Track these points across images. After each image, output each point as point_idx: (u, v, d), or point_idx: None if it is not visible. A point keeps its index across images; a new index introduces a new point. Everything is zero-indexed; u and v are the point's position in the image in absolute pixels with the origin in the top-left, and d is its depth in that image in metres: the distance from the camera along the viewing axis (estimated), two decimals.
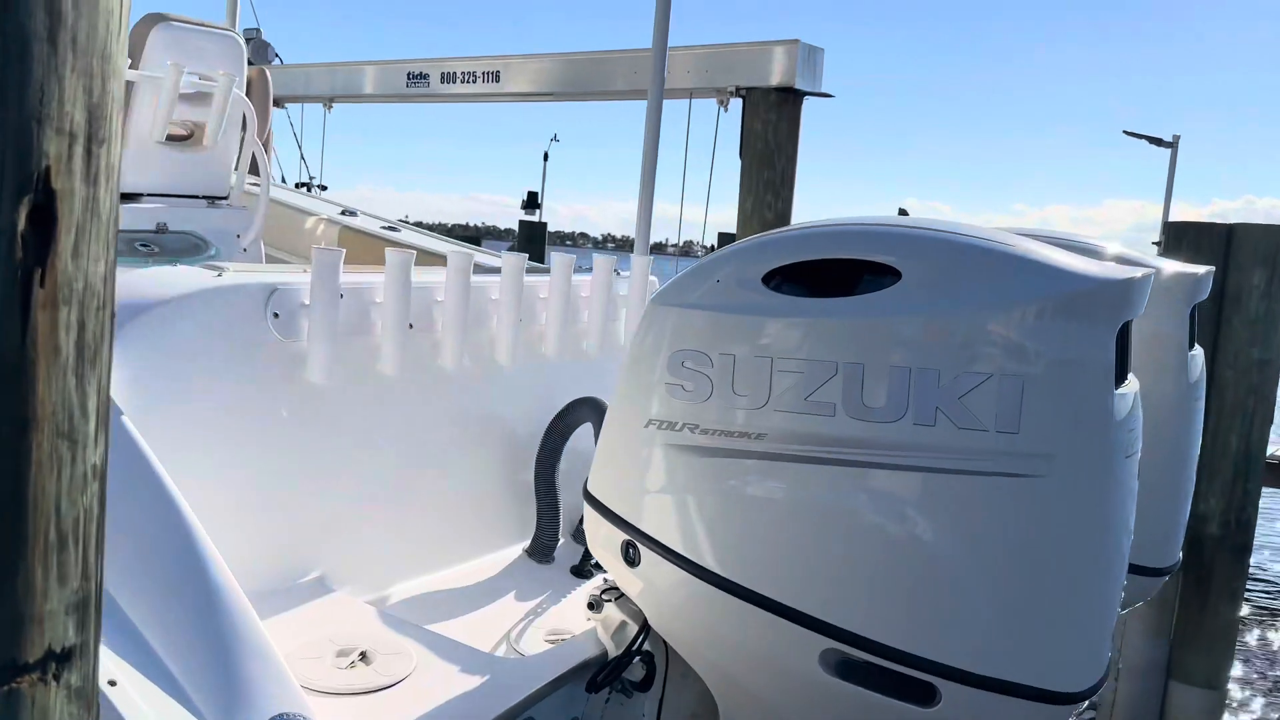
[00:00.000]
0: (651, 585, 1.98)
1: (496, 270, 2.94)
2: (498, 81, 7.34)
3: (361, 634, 2.18)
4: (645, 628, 2.10)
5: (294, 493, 2.43)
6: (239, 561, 2.27)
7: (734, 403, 1.81)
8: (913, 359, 1.67)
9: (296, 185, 9.92)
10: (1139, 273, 1.70)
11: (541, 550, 2.90)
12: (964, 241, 1.73)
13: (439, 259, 4.33)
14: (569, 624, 2.49)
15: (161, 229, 4.48)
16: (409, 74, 7.96)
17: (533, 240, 17.57)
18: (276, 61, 9.00)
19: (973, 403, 1.64)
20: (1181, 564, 5.55)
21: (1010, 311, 1.64)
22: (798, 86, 5.77)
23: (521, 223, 18.56)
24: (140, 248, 4.23)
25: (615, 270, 3.37)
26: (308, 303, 2.42)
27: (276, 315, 2.40)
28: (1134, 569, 2.40)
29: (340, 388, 2.52)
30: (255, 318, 2.37)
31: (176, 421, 2.20)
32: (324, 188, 10.79)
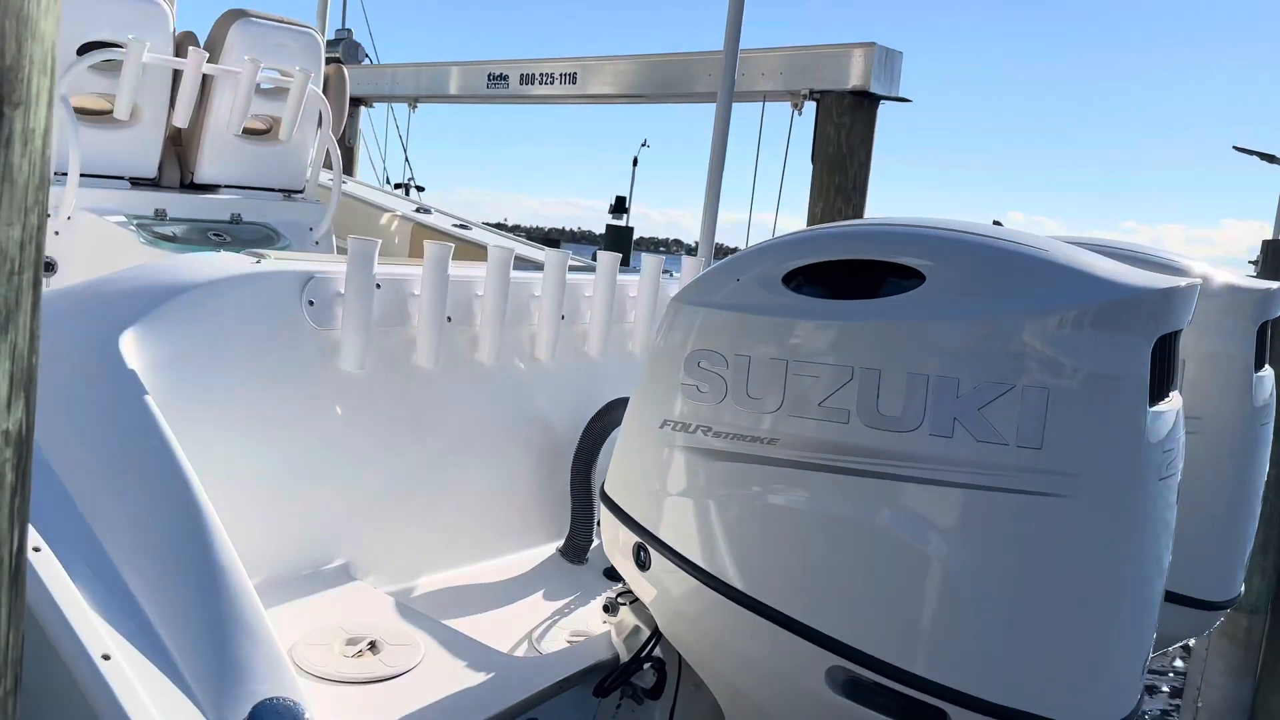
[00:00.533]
0: (661, 590, 1.93)
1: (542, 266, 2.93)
2: (575, 83, 7.38)
3: (374, 624, 2.17)
4: (657, 634, 2.06)
5: (323, 480, 2.45)
6: (263, 546, 2.30)
7: (748, 406, 1.75)
8: (931, 366, 1.59)
9: (395, 186, 10.12)
10: (1182, 282, 1.59)
11: (575, 551, 2.87)
12: (991, 244, 1.64)
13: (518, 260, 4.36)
14: (595, 626, 2.45)
15: (236, 219, 4.61)
16: (489, 75, 8.06)
17: (619, 245, 17.52)
18: (366, 61, 9.22)
19: (993, 414, 1.55)
20: (1271, 601, 5.26)
21: (1037, 319, 1.55)
22: (873, 90, 5.64)
23: (609, 227, 18.57)
24: (213, 237, 4.35)
25: (668, 271, 3.33)
26: (343, 291, 2.44)
27: (311, 303, 2.42)
28: (1188, 601, 2.27)
29: (374, 378, 2.54)
30: (290, 305, 2.40)
31: (207, 404, 2.24)
32: (421, 189, 11.00)
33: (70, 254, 3.96)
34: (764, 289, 1.80)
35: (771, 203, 6.29)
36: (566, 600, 2.63)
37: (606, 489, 2.04)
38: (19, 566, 0.86)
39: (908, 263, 1.67)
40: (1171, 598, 2.17)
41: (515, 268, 2.86)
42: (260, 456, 2.33)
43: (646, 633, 2.08)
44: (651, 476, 1.91)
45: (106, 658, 1.60)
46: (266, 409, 2.35)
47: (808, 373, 1.69)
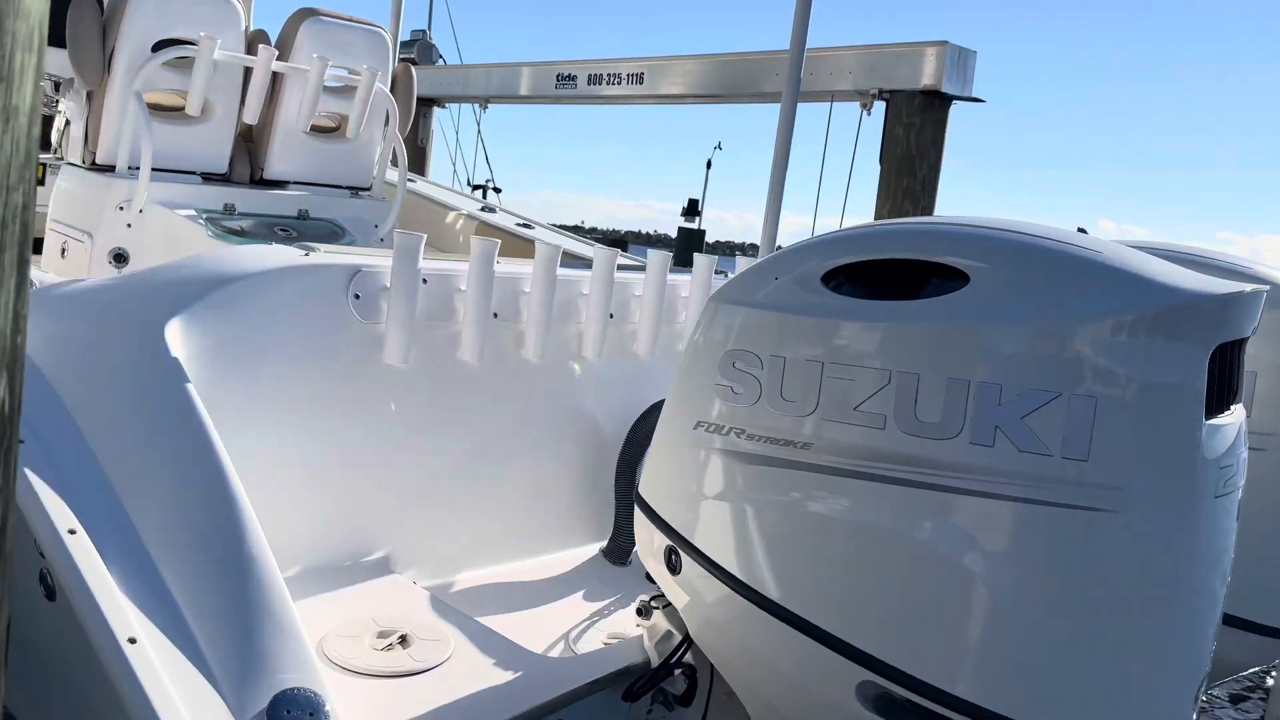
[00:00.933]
0: (692, 596, 1.89)
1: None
2: (642, 83, 7.35)
3: (407, 617, 2.17)
4: (688, 639, 2.01)
5: (364, 472, 2.46)
6: (303, 536, 2.31)
7: (782, 408, 1.70)
8: (972, 371, 1.52)
9: (474, 187, 10.22)
10: (1246, 288, 1.49)
11: (617, 552, 2.84)
12: (1039, 245, 1.57)
13: (571, 258, 4.35)
14: (633, 629, 2.42)
15: (303, 215, 4.68)
16: (558, 75, 8.09)
17: (691, 248, 17.48)
18: (440, 62, 9.32)
19: (1037, 423, 1.47)
20: None
21: (1086, 324, 1.47)
22: (944, 90, 5.49)
23: (680, 229, 18.57)
24: (279, 231, 4.42)
25: (722, 272, 3.28)
26: (389, 285, 2.44)
27: (358, 296, 2.43)
28: (1253, 627, 2.14)
29: (419, 373, 2.54)
30: (336, 298, 2.41)
31: (251, 394, 2.26)
32: (498, 190, 11.11)
33: (141, 246, 4.07)
34: (802, 288, 1.75)
35: (840, 205, 6.18)
36: (606, 602, 2.59)
37: (640, 490, 2.01)
38: (3, 548, 0.86)
39: (951, 263, 1.60)
40: (1233, 622, 2.05)
41: (569, 266, 2.84)
42: (303, 448, 2.35)
43: (678, 638, 2.04)
44: (684, 479, 1.87)
45: (132, 641, 1.61)
46: (310, 401, 2.37)
47: (844, 376, 1.64)
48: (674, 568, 1.91)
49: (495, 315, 2.64)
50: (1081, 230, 1.75)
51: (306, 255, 2.45)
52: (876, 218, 5.78)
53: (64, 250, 4.18)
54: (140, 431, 1.99)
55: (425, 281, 2.51)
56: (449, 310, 2.60)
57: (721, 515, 1.78)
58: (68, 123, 4.34)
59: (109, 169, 4.08)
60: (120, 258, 4.07)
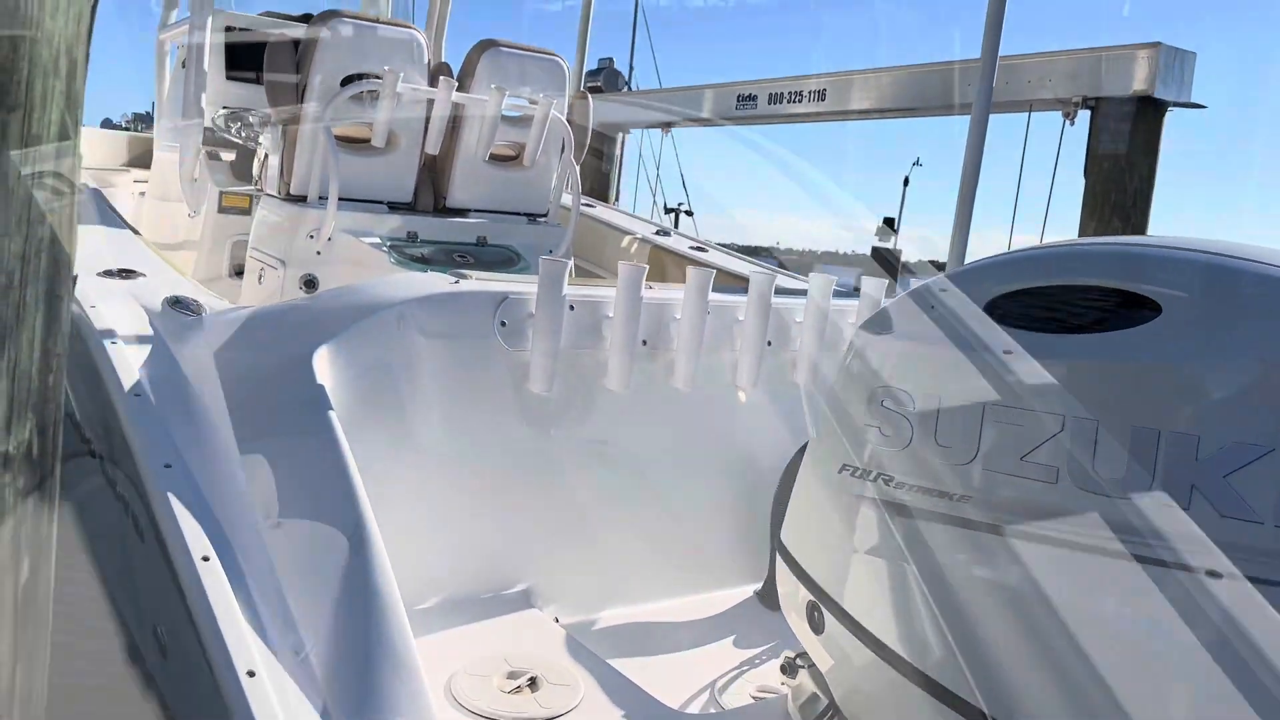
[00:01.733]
0: (837, 658, 1.71)
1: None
2: (824, 100, 7.12)
3: (540, 658, 2.09)
4: (834, 705, 1.83)
5: (508, 502, 2.41)
6: (443, 566, 2.28)
7: (935, 454, 1.51)
8: (1165, 419, 1.29)
9: (666, 210, 10.29)
10: None
11: (773, 595, 2.67)
12: (1245, 269, 1.31)
13: (739, 280, 4.23)
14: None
15: (481, 242, 4.77)
16: (738, 96, 7.97)
17: (886, 269, 16.90)
18: (627, 89, 9.42)
19: (1244, 484, 1.23)
20: None
21: None
22: (1158, 96, 4.98)
23: (874, 249, 18.07)
24: (458, 259, 4.52)
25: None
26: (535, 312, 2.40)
27: (504, 324, 2.40)
28: None
29: (565, 401, 2.47)
30: (484, 325, 2.38)
31: (395, 422, 2.26)
32: (689, 213, 11.18)
33: (329, 273, 4.25)
34: (963, 319, 1.56)
35: (1032, 224, 5.75)
36: (757, 650, 2.43)
37: (783, 537, 1.85)
38: (29, 599, 0.82)
39: (1138, 290, 1.37)
40: None
41: (727, 291, 2.72)
42: (445, 476, 2.33)
43: (824, 703, 1.86)
44: (827, 527, 1.70)
45: (251, 674, 1.60)
46: (453, 428, 2.35)
47: (1008, 420, 1.44)
48: (817, 626, 1.74)
49: (644, 342, 2.55)
50: None
51: (456, 283, 2.44)
52: (1081, 234, 5.32)
53: (261, 277, 4.42)
54: (283, 459, 2.01)
55: (571, 308, 2.45)
56: (596, 337, 2.52)
57: (867, 571, 1.61)
58: (266, 156, 4.60)
59: (301, 199, 4.29)
60: (310, 284, 4.26)
